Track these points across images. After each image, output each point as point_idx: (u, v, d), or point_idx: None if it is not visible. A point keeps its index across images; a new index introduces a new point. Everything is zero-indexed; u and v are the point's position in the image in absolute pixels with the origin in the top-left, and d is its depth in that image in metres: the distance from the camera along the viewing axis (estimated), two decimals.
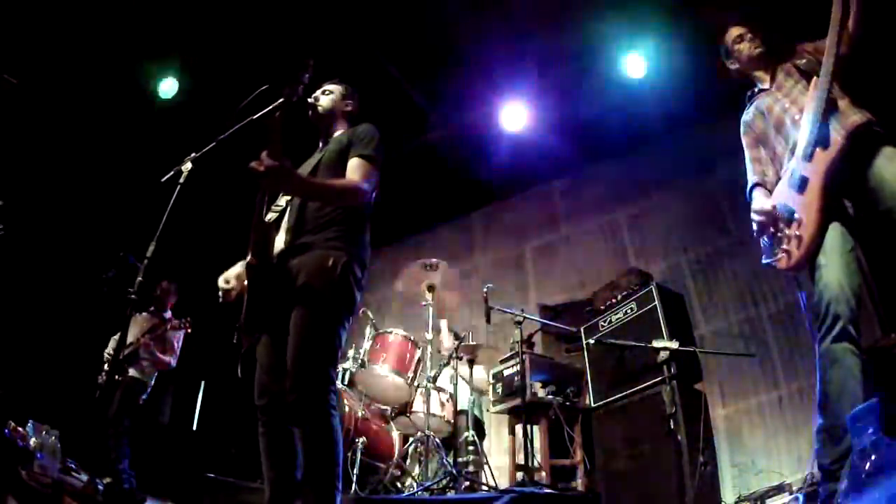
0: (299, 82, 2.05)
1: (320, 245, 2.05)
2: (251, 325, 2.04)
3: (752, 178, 2.29)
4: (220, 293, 2.19)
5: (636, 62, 4.80)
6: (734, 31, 2.38)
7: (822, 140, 1.92)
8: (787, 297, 4.28)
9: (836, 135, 1.91)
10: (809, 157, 1.94)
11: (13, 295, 4.58)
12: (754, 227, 2.12)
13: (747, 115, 2.36)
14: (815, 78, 1.98)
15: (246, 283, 2.09)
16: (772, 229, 2.06)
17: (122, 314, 2.33)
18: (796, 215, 1.97)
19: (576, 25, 4.49)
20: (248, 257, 2.06)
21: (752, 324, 4.46)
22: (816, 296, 1.88)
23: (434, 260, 4.08)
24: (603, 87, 5.01)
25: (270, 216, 2.19)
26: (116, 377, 4.26)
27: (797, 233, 1.95)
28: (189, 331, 4.53)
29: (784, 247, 1.99)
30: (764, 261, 2.12)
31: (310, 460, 1.87)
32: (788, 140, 2.10)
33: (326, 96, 2.47)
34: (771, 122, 2.21)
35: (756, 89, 2.35)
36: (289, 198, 2.27)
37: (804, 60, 2.18)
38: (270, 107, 2.07)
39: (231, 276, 2.21)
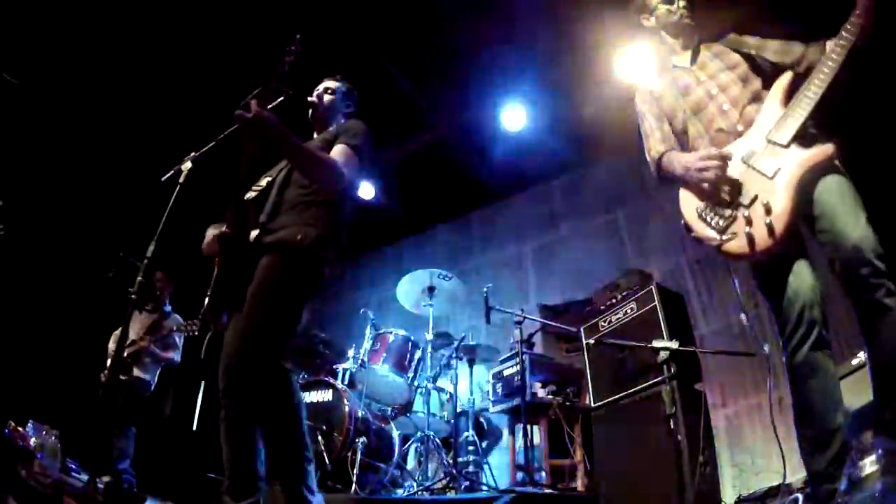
0: (289, 55, 2.07)
1: (294, 223, 2.06)
2: (217, 304, 2.02)
3: (660, 146, 2.15)
4: (204, 245, 2.18)
5: (635, 62, 4.79)
6: None
7: (807, 137, 1.83)
8: None
9: (820, 143, 1.82)
10: (786, 145, 1.82)
11: (13, 295, 4.58)
12: (708, 174, 1.87)
13: (656, 87, 2.25)
14: (812, 75, 1.85)
15: (218, 255, 2.08)
16: (724, 197, 1.85)
17: (123, 314, 2.33)
18: (761, 199, 1.78)
19: (576, 25, 4.48)
20: (223, 227, 2.06)
21: (748, 324, 4.46)
22: (787, 300, 1.79)
23: (447, 272, 4.13)
24: (603, 87, 5.01)
25: (251, 195, 2.20)
26: (121, 377, 4.24)
27: (767, 220, 1.74)
28: (196, 334, 4.50)
29: (747, 230, 1.77)
30: (706, 234, 1.87)
31: (270, 433, 1.83)
32: (711, 125, 2.04)
33: (328, 95, 2.48)
34: (687, 104, 2.12)
35: (671, 64, 2.27)
36: (270, 179, 2.27)
37: (742, 56, 2.10)
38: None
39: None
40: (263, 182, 2.27)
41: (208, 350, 2.08)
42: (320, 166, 2.06)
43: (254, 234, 2.13)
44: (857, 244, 1.65)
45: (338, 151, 2.14)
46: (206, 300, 2.04)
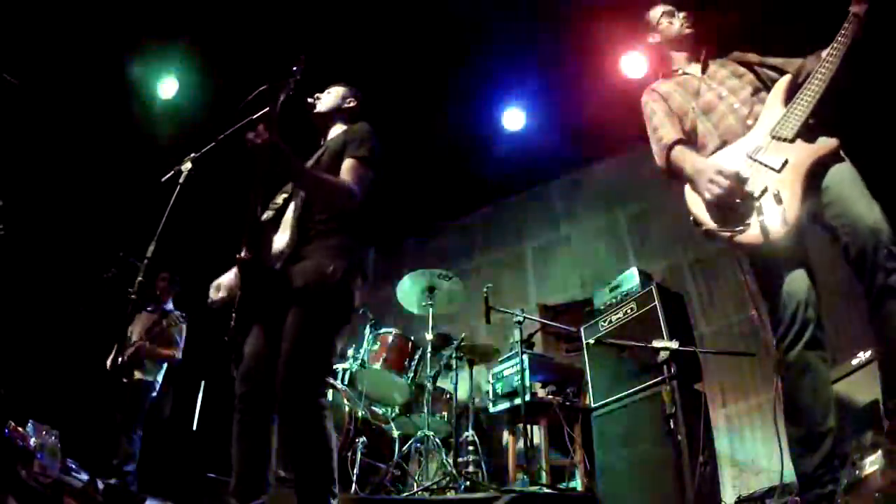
0: (291, 74, 2.07)
1: (321, 252, 2.04)
2: (242, 329, 2.01)
3: (672, 135, 2.14)
4: (210, 299, 2.19)
5: (635, 62, 4.80)
6: (662, 7, 2.39)
7: (811, 133, 1.85)
8: None
9: (826, 138, 1.85)
10: (792, 139, 1.85)
11: (13, 295, 4.58)
12: (717, 190, 1.85)
13: (663, 87, 2.30)
14: (814, 72, 1.89)
15: (238, 282, 2.05)
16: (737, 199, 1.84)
17: (123, 314, 2.33)
18: (771, 190, 1.78)
19: (576, 25, 4.48)
20: (242, 252, 2.05)
21: (752, 324, 4.46)
22: (783, 300, 1.79)
23: (447, 272, 4.14)
24: (603, 87, 5.01)
25: (268, 214, 2.18)
26: (124, 380, 4.25)
27: (779, 209, 1.74)
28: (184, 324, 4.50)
29: (760, 220, 1.76)
30: (716, 227, 1.86)
31: (303, 463, 1.83)
32: (721, 121, 2.07)
33: (327, 95, 2.48)
34: (698, 105, 2.16)
35: (680, 71, 2.32)
36: (286, 196, 2.26)
37: (748, 67, 2.16)
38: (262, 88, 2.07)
39: (223, 284, 2.19)
40: (279, 200, 2.25)
41: (226, 358, 2.07)
42: (333, 193, 2.06)
43: (276, 247, 2.11)
44: (875, 228, 1.67)
45: (347, 169, 2.12)
46: (231, 325, 2.02)
